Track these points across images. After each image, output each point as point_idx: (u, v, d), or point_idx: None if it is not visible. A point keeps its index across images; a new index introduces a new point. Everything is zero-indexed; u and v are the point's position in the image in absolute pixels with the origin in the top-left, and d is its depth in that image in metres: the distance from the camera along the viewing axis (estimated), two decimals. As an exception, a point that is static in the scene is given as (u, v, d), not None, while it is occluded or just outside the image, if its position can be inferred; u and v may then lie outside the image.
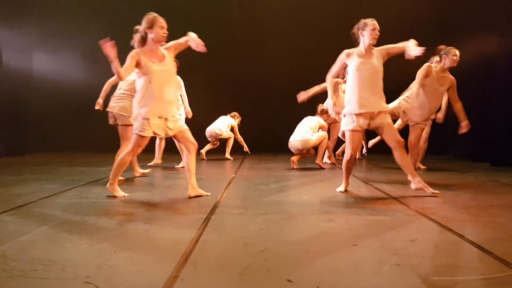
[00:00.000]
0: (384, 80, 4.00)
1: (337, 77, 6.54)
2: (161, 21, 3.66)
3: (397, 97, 5.42)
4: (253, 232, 2.60)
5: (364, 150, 8.26)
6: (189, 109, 6.21)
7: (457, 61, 4.82)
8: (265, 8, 9.55)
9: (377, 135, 6.90)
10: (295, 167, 6.17)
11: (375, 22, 3.90)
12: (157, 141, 6.75)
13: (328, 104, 4.52)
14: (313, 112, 6.72)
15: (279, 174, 5.55)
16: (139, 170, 5.36)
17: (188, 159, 3.83)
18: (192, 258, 2.06)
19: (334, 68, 4.13)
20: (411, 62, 4.20)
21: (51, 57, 9.58)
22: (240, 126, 8.24)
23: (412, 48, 3.73)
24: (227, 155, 7.95)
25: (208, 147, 7.89)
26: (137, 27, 3.72)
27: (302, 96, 5.64)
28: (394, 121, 4.85)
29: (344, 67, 4.12)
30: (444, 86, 4.91)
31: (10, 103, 8.22)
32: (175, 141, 4.54)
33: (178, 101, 4.79)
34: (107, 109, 5.01)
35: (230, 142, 8.00)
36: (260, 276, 1.86)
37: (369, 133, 7.77)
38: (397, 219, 2.98)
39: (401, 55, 3.87)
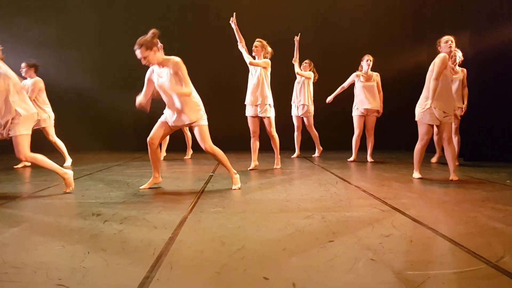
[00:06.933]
0: None
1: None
2: None
3: None
4: (231, 231, 2.59)
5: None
6: None
7: (451, 46, 4.67)
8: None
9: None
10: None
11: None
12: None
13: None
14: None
15: (258, 172, 5.55)
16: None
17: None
18: (167, 259, 2.04)
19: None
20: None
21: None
22: (217, 123, 8.12)
23: None
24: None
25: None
26: None
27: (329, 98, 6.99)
28: None
29: None
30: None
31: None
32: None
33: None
34: None
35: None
36: (237, 275, 1.85)
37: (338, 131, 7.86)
38: (373, 215, 3.02)
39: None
